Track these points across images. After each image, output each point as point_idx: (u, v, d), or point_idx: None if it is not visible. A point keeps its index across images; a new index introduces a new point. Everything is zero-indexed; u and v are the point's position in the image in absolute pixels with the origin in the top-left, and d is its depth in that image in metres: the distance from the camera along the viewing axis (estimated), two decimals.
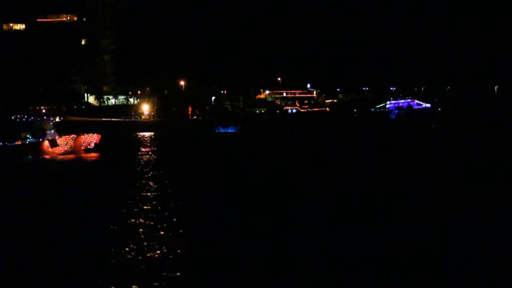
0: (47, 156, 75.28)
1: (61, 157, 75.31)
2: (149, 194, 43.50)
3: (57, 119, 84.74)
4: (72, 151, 78.46)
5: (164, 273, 24.20)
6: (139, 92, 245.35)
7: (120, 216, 35.24)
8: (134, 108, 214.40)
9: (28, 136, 78.78)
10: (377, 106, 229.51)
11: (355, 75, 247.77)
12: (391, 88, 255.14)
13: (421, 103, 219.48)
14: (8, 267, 25.60)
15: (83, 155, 77.11)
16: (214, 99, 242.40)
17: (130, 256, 26.56)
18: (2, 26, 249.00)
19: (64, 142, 78.65)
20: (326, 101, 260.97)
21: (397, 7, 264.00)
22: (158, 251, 27.25)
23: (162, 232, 31.01)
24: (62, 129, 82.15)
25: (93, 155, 77.10)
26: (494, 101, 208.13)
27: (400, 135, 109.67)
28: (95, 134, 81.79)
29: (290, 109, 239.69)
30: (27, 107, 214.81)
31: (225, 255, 26.64)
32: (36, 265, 25.73)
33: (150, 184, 49.06)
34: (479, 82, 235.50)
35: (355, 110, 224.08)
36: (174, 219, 34.33)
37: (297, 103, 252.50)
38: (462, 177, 49.78)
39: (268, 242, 28.68)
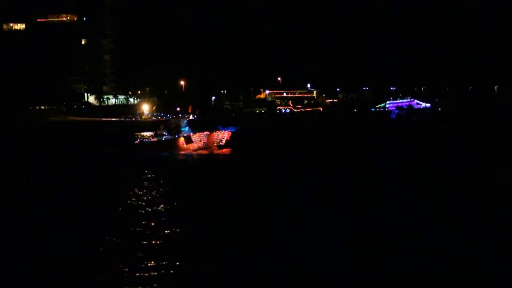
0: (182, 152, 77.56)
1: (195, 152, 77.73)
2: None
3: (191, 117, 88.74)
4: (205, 147, 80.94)
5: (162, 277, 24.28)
6: (139, 92, 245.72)
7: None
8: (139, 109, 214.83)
9: (164, 133, 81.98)
10: (377, 106, 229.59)
11: (355, 75, 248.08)
12: (391, 88, 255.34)
13: (421, 103, 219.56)
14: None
15: (215, 151, 79.35)
16: (214, 99, 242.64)
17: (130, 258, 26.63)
18: (2, 26, 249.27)
19: (198, 139, 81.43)
20: (327, 100, 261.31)
21: (397, 7, 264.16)
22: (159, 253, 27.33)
23: (164, 232, 31.07)
24: (195, 127, 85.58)
25: (225, 150, 79.44)
26: (494, 101, 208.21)
27: (401, 135, 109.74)
28: (226, 132, 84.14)
29: (284, 109, 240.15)
30: (27, 106, 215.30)
31: (224, 255, 26.69)
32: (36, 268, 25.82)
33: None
34: (479, 82, 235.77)
35: (355, 110, 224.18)
36: (175, 219, 34.40)
37: (290, 103, 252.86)
38: (462, 175, 49.85)
39: (269, 241, 28.72)
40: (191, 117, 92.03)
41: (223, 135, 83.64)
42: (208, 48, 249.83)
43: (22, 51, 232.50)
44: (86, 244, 28.90)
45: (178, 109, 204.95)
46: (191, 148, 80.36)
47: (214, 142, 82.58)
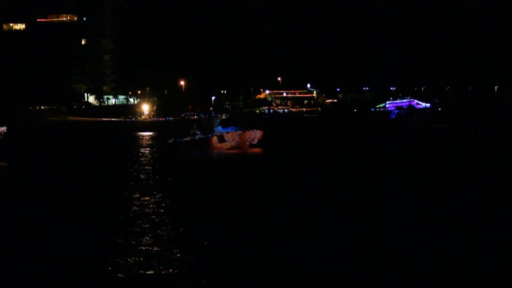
0: (215, 151, 77.93)
1: (228, 151, 78.20)
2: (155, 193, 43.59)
3: (224, 116, 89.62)
4: (238, 146, 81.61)
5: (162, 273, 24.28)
6: (139, 92, 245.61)
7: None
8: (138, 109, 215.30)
9: (197, 132, 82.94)
10: (377, 106, 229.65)
11: (355, 75, 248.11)
12: (391, 88, 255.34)
13: (420, 103, 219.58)
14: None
15: (247, 150, 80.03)
16: (214, 99, 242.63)
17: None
18: (2, 26, 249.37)
19: (231, 138, 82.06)
20: (327, 101, 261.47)
21: (397, 7, 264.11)
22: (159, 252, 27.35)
23: (166, 232, 31.09)
24: (226, 124, 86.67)
25: (256, 150, 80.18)
26: (494, 101, 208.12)
27: (401, 135, 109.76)
28: (258, 131, 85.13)
29: (282, 109, 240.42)
30: (27, 106, 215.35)
31: (224, 253, 26.68)
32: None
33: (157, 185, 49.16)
34: (479, 82, 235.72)
35: (355, 110, 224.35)
36: (176, 218, 34.42)
37: (288, 103, 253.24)
38: (462, 174, 49.90)
39: (268, 240, 28.75)
40: (223, 117, 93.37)
41: (255, 135, 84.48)
42: (208, 48, 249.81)
43: (22, 51, 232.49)
44: (86, 244, 28.91)
45: (211, 108, 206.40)
46: (224, 147, 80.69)
47: (246, 141, 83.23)
